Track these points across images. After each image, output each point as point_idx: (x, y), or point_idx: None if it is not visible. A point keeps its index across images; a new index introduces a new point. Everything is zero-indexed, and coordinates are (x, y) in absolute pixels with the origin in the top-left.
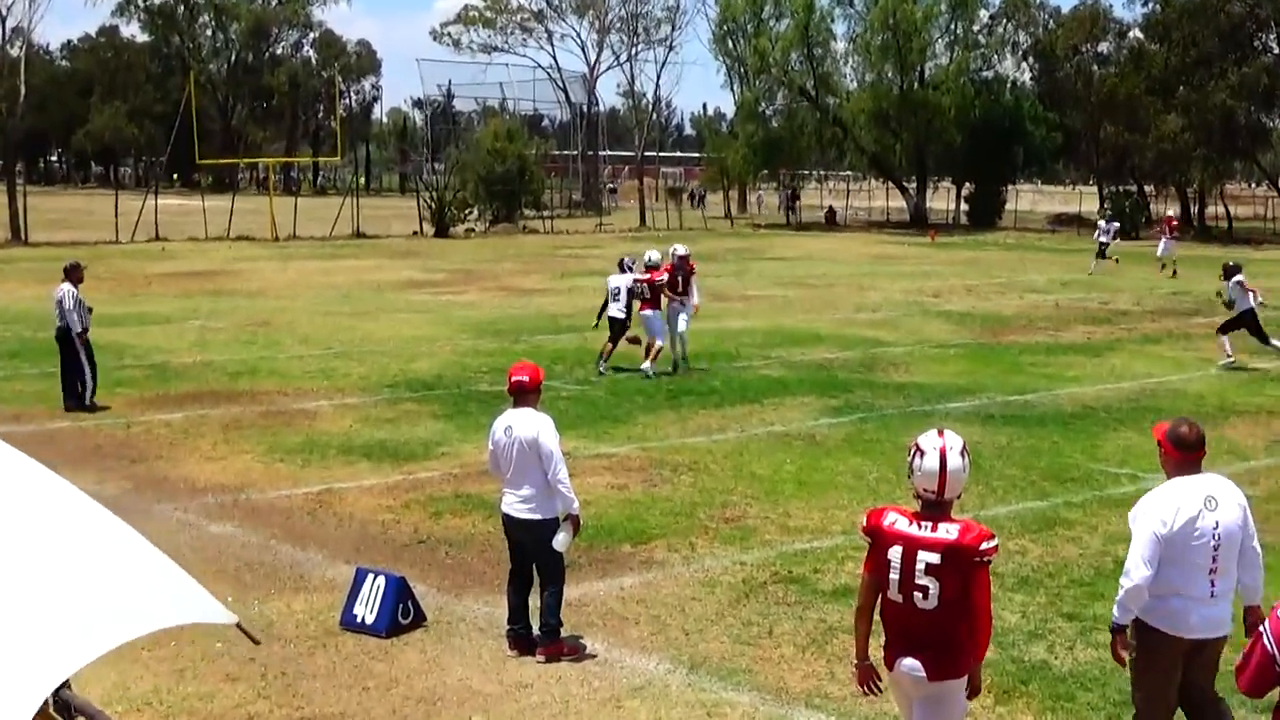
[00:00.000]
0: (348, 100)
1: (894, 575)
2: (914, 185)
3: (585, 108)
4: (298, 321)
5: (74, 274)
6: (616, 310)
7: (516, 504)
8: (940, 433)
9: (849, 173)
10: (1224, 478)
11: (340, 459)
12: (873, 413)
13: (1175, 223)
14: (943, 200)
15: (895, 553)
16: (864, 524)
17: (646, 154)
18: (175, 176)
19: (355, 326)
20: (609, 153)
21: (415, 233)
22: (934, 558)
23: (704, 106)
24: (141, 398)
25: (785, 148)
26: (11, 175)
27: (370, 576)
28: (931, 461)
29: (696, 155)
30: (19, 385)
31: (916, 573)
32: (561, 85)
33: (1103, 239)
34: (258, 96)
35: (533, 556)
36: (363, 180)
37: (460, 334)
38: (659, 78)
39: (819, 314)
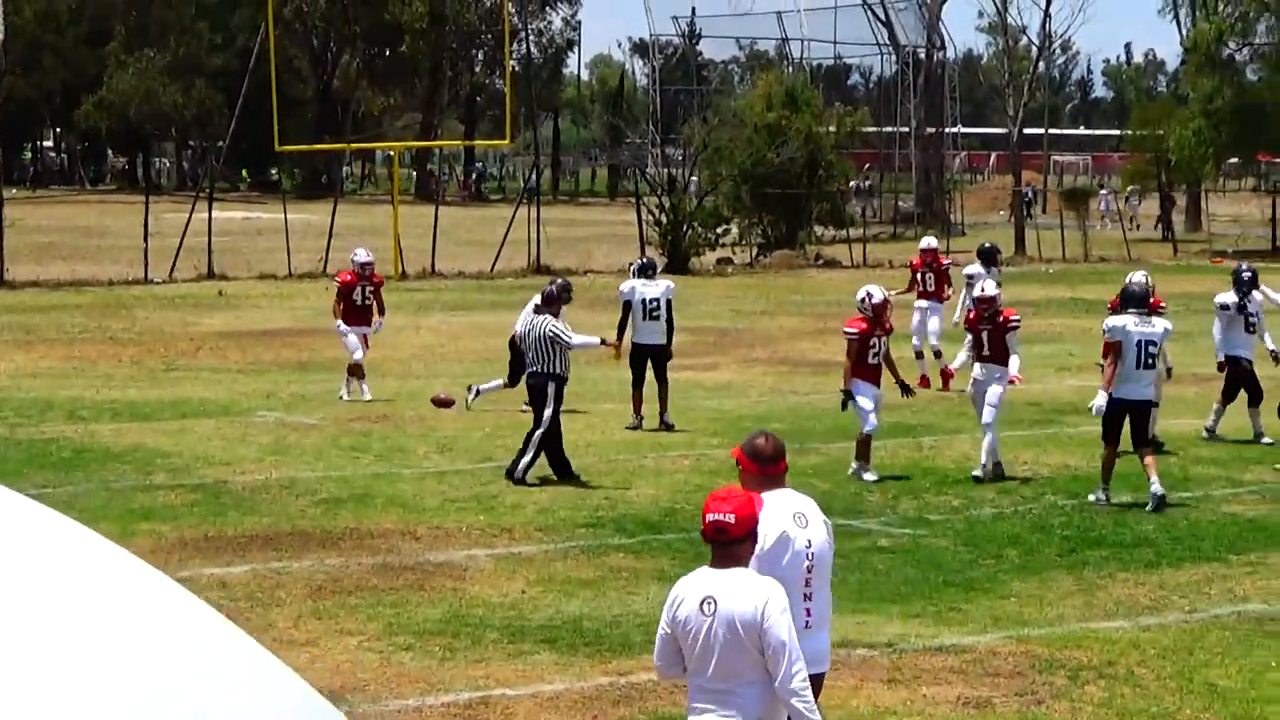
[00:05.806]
0: (523, 44)
1: None
2: None
3: (923, 54)
4: (436, 415)
5: (559, 302)
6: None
7: None
8: None
9: None
10: (808, 497)
11: (505, 647)
12: None
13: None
14: None
15: None
16: None
17: (1027, 131)
18: (241, 173)
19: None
20: (962, 130)
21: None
22: None
23: (1125, 51)
24: (182, 539)
25: (1271, 119)
26: None
27: None
28: None
29: (1114, 133)
30: None
31: None
32: (883, 16)
33: None
34: (376, 38)
35: None
36: (547, 178)
37: (707, 438)
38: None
39: None
